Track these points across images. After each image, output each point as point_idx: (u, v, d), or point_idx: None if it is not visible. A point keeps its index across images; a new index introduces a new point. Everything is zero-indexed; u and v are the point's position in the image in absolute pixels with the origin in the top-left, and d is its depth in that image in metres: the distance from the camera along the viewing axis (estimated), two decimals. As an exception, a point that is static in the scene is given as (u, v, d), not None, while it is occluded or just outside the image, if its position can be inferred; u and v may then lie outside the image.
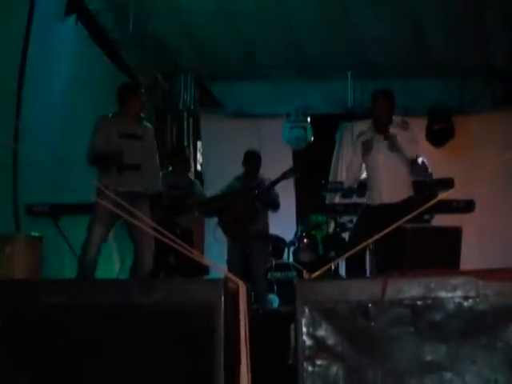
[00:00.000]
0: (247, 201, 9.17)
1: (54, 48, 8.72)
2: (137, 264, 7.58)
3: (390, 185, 7.38)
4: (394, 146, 7.35)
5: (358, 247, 4.97)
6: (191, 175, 10.25)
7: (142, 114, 7.69)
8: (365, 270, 7.61)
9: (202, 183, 11.75)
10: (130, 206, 6.76)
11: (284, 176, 9.25)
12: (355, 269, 7.10)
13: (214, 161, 11.96)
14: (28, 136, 7.36)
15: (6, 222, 7.70)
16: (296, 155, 11.98)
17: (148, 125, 7.76)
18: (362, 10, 9.81)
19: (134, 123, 7.52)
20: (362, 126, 7.78)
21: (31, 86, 8.11)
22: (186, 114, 12.66)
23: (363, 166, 7.67)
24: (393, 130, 7.42)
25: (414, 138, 7.57)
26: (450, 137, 11.67)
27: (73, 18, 9.17)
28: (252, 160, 9.47)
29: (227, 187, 9.57)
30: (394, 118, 7.54)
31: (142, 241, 7.41)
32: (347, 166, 7.69)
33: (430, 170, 9.50)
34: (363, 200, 7.85)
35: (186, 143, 12.37)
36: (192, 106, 12.60)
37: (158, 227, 4.76)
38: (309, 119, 12.04)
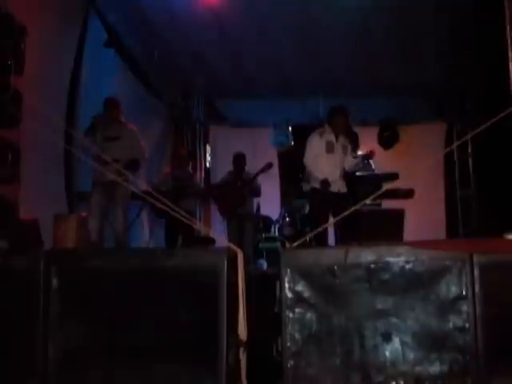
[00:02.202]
0: (238, 189, 9.22)
1: (98, 72, 8.69)
2: (114, 235, 7.61)
3: (339, 178, 7.40)
4: (345, 150, 7.38)
5: (325, 225, 4.98)
6: (190, 169, 10.23)
7: (122, 119, 7.68)
8: (327, 239, 7.59)
9: (210, 177, 11.78)
10: (111, 191, 6.91)
11: (262, 170, 9.29)
12: (321, 239, 7.05)
13: (219, 160, 11.95)
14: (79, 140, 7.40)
15: (62, 205, 7.71)
16: (280, 155, 11.99)
17: (129, 127, 7.70)
18: (331, 47, 9.80)
19: (114, 126, 7.52)
20: (322, 129, 7.71)
21: (81, 102, 8.11)
22: (198, 125, 12.63)
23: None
24: (346, 140, 7.46)
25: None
26: (396, 142, 11.71)
27: (112, 50, 9.16)
28: (238, 159, 9.53)
29: (222, 180, 9.61)
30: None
31: (116, 216, 7.48)
32: (315, 162, 7.54)
33: (373, 166, 9.55)
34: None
35: (198, 147, 12.40)
36: (202, 119, 12.60)
37: (175, 208, 4.72)
38: (290, 128, 12.07)
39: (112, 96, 7.84)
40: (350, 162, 7.50)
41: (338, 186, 7.36)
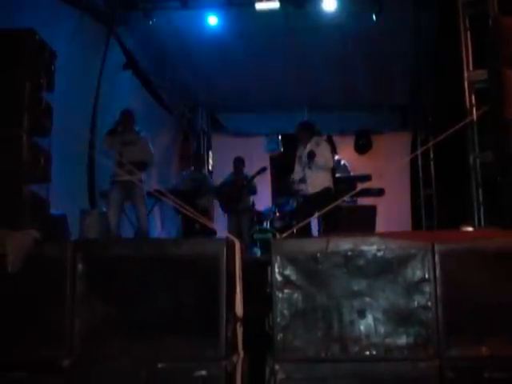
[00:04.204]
0: (237, 188, 9.22)
1: (117, 90, 8.69)
2: (139, 228, 7.66)
3: (310, 181, 7.42)
4: (311, 155, 7.40)
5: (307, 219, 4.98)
6: (205, 172, 10.16)
7: (136, 129, 7.68)
8: (311, 232, 7.61)
9: (212, 177, 11.75)
10: (129, 190, 6.88)
11: (258, 173, 9.39)
12: (305, 231, 7.09)
13: (220, 163, 11.94)
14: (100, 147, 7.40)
15: (85, 202, 7.71)
16: (271, 160, 12.02)
17: (143, 135, 7.73)
18: (315, 69, 9.82)
19: (130, 134, 7.52)
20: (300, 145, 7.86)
21: (103, 115, 8.10)
22: (202, 135, 12.64)
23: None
24: (312, 145, 7.46)
25: (324, 149, 7.60)
26: (369, 148, 11.75)
27: (129, 71, 9.16)
28: (238, 162, 9.53)
29: (225, 180, 9.59)
30: (313, 138, 7.57)
31: (139, 213, 7.47)
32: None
33: (349, 169, 9.61)
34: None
35: (202, 152, 12.39)
36: (206, 129, 12.60)
37: (183, 205, 4.71)
38: (280, 137, 12.10)
39: (127, 108, 7.85)
40: (321, 157, 7.50)
41: (311, 188, 7.39)
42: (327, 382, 3.36)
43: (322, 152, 7.52)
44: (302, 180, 7.54)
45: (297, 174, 7.74)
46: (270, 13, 8.07)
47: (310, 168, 7.39)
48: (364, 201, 8.90)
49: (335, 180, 7.87)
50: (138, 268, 3.60)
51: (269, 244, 3.66)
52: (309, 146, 7.52)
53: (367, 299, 3.43)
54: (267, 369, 3.44)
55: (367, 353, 3.38)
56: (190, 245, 3.73)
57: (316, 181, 7.41)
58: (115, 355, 3.47)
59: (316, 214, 7.09)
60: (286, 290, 3.46)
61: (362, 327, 3.41)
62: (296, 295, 3.46)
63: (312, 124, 7.81)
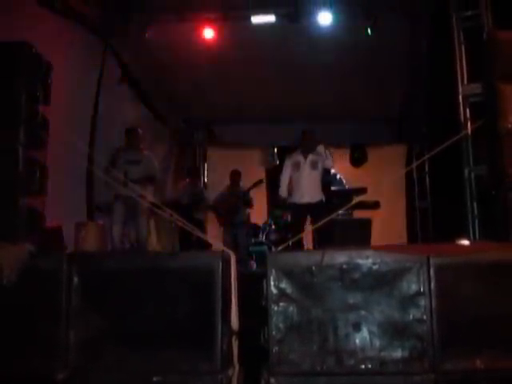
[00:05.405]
0: (233, 201, 9.21)
1: (114, 103, 8.70)
2: (138, 239, 7.60)
3: (310, 190, 7.39)
4: (314, 165, 7.38)
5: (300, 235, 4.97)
6: (201, 185, 10.10)
7: (141, 146, 7.65)
8: (302, 245, 7.59)
9: (207, 190, 11.73)
10: (133, 205, 6.87)
11: (254, 185, 9.38)
12: (298, 245, 7.07)
13: (215, 176, 11.90)
14: (98, 160, 7.36)
15: (82, 215, 7.69)
16: (267, 172, 11.98)
17: (146, 153, 7.70)
18: (310, 83, 9.86)
19: (135, 152, 7.51)
20: (291, 152, 7.80)
21: (100, 127, 8.11)
22: (197, 147, 12.66)
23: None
24: (319, 151, 7.45)
25: (327, 153, 7.59)
26: (365, 161, 11.75)
27: (125, 84, 9.17)
28: (234, 175, 9.52)
29: (221, 193, 9.58)
30: (318, 146, 7.55)
31: (139, 224, 7.48)
32: (283, 181, 7.67)
33: (344, 182, 9.63)
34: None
35: (197, 165, 12.38)
36: (201, 141, 12.61)
37: (180, 218, 4.72)
38: (275, 150, 12.10)
39: (133, 126, 7.84)
40: (327, 162, 7.48)
41: (309, 198, 7.38)
42: (322, 396, 3.37)
43: (325, 154, 7.53)
44: (291, 190, 7.57)
45: (284, 184, 7.69)
46: (265, 26, 8.11)
47: (314, 169, 7.39)
48: (359, 214, 8.90)
49: (331, 193, 7.86)
50: (133, 281, 3.60)
51: (264, 257, 3.67)
52: (311, 155, 7.50)
53: (362, 312, 3.45)
54: (262, 382, 3.44)
55: (362, 366, 3.38)
56: (186, 258, 3.74)
57: (310, 190, 7.42)
58: (110, 368, 3.47)
59: (311, 228, 7.11)
60: (281, 303, 3.48)
61: (357, 340, 3.42)
62: (291, 308, 3.47)
63: (315, 132, 7.78)
